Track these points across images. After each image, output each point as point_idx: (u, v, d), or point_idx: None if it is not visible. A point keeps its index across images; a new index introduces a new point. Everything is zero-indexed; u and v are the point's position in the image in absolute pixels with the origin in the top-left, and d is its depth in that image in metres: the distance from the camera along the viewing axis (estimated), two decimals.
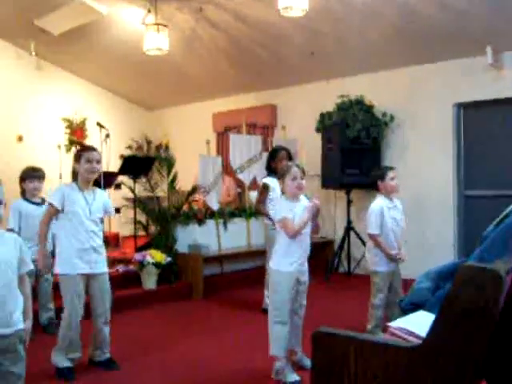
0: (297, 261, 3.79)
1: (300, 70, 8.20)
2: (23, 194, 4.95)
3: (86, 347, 4.06)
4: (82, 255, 3.90)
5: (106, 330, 4.08)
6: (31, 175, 4.92)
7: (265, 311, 5.46)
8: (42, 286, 4.98)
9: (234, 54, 8.07)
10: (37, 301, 4.84)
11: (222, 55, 8.14)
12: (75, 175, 4.04)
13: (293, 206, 3.78)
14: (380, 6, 6.22)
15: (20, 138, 9.09)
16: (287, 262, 3.76)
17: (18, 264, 2.52)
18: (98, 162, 4.00)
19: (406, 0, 6.05)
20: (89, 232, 3.93)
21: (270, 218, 5.68)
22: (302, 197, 3.92)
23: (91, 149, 4.08)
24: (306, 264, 3.92)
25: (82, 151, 4.03)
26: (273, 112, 9.01)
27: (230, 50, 7.94)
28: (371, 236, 4.55)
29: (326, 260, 7.80)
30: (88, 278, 3.96)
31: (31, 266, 2.65)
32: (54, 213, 3.93)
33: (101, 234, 4.06)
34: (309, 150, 7.79)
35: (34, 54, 8.87)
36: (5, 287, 2.43)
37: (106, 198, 4.19)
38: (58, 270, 3.94)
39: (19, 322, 2.48)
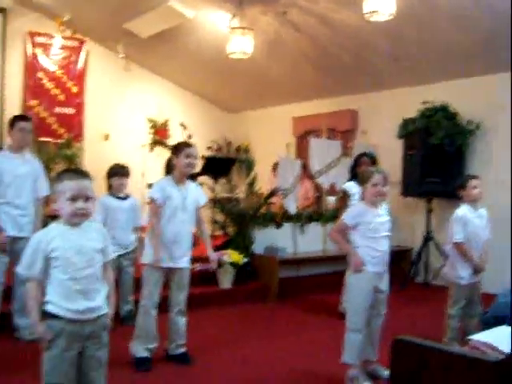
0: (375, 268, 3.74)
1: (383, 75, 8.09)
2: (109, 189, 5.14)
3: (164, 340, 4.18)
4: (169, 248, 3.99)
5: (181, 321, 4.16)
6: (118, 172, 5.10)
7: (342, 316, 5.45)
8: (123, 278, 5.14)
9: (316, 58, 8.06)
10: (118, 293, 4.99)
11: (305, 59, 8.14)
12: (169, 168, 4.14)
13: (367, 213, 3.73)
14: (467, 10, 6.04)
15: (107, 137, 9.44)
16: (368, 261, 3.72)
17: (102, 253, 2.62)
18: (196, 158, 4.10)
19: (494, 2, 5.86)
20: (181, 226, 4.02)
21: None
22: (383, 205, 3.86)
23: (191, 145, 4.15)
24: (386, 272, 3.86)
25: (183, 146, 4.10)
26: (353, 117, 8.92)
27: (313, 53, 7.93)
28: (456, 245, 4.41)
29: (403, 269, 7.66)
30: (170, 270, 4.07)
31: (113, 256, 2.75)
32: (159, 208, 4.01)
33: (191, 229, 4.13)
34: (389, 156, 7.67)
35: (122, 56, 9.19)
36: (94, 274, 2.54)
37: (199, 189, 4.27)
38: (143, 259, 4.07)
39: (103, 309, 2.58)
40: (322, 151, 7.38)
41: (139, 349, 4.04)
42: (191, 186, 4.19)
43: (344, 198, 5.60)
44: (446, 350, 2.17)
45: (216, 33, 7.75)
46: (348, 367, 3.75)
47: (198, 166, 7.23)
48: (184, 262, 4.10)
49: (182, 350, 4.20)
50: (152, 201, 4.03)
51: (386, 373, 3.69)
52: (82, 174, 2.56)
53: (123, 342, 4.02)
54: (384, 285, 3.84)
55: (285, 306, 6.28)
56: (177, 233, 4.02)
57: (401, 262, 7.73)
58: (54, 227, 2.54)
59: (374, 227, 3.73)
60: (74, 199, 2.47)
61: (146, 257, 4.04)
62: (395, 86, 8.29)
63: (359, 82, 8.49)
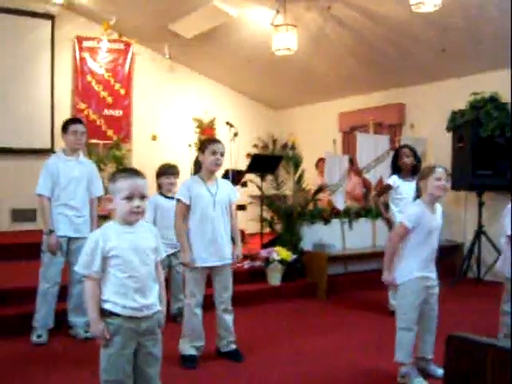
0: (424, 265, 3.69)
1: (430, 68, 7.94)
2: (159, 188, 5.21)
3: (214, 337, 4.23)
4: (208, 247, 4.00)
5: (228, 318, 4.18)
6: (167, 171, 5.16)
7: (393, 313, 5.39)
8: (174, 277, 5.21)
9: (361, 52, 7.99)
10: (169, 291, 5.06)
11: (350, 54, 8.08)
12: (198, 166, 4.16)
13: (426, 214, 3.66)
14: None
15: (154, 137, 9.59)
16: (415, 267, 3.66)
17: (155, 252, 2.67)
18: (222, 154, 4.06)
19: None
20: (214, 224, 4.01)
21: (386, 215, 5.62)
22: (437, 205, 3.80)
23: (216, 141, 4.15)
24: (434, 268, 3.80)
25: (208, 143, 4.10)
26: (401, 111, 8.80)
27: (358, 48, 7.86)
28: (509, 239, 4.28)
29: (454, 265, 7.52)
30: (210, 268, 4.09)
31: (164, 255, 2.79)
32: (185, 208, 4.02)
33: (227, 225, 4.12)
34: (438, 149, 7.55)
35: (167, 56, 9.31)
36: (149, 272, 2.60)
37: (230, 186, 4.26)
38: (182, 259, 4.10)
39: (157, 306, 2.63)
40: (370, 146, 7.32)
41: (186, 347, 4.09)
42: (222, 182, 4.19)
43: (385, 188, 5.57)
44: (503, 347, 2.12)
45: (260, 30, 7.76)
46: (400, 364, 3.72)
47: (246, 164, 7.33)
48: (223, 259, 4.09)
49: (234, 346, 4.23)
50: (178, 201, 4.05)
51: (440, 371, 3.64)
52: (137, 173, 2.61)
53: (173, 340, 4.07)
54: (433, 280, 3.78)
55: (334, 302, 6.25)
56: (211, 231, 4.01)
57: (452, 258, 7.61)
58: (110, 227, 2.60)
59: (429, 230, 3.66)
60: (129, 198, 2.53)
61: (185, 257, 4.06)
62: (443, 78, 8.14)
63: (406, 75, 8.37)
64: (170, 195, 5.14)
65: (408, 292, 3.66)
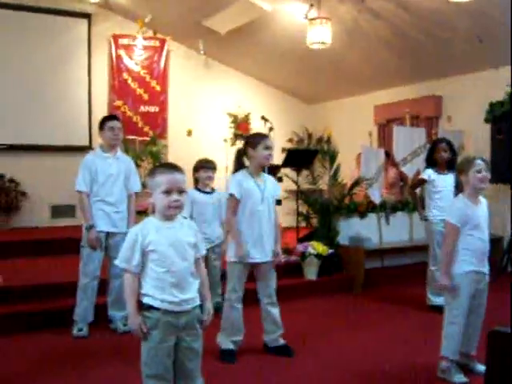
0: (475, 259, 3.63)
1: (467, 58, 7.80)
2: (196, 183, 5.24)
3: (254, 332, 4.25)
4: (255, 243, 4.01)
5: (274, 311, 4.18)
6: (205, 166, 5.17)
7: (432, 308, 5.34)
8: (210, 272, 5.21)
9: (396, 44, 7.89)
10: None
11: (384, 46, 7.99)
12: (241, 161, 4.13)
13: (470, 208, 3.60)
14: None
15: (190, 133, 9.67)
16: (465, 261, 3.59)
17: (195, 248, 2.69)
18: (272, 149, 4.07)
19: None
20: (261, 219, 4.02)
21: (415, 208, 5.55)
22: (481, 198, 3.73)
23: (267, 136, 4.14)
24: (486, 262, 3.72)
25: (260, 138, 4.06)
26: (437, 103, 8.67)
27: (393, 39, 7.77)
28: None
29: (494, 259, 7.38)
30: (255, 264, 4.10)
31: (205, 252, 2.81)
32: (237, 203, 4.02)
33: (272, 222, 4.12)
34: (476, 142, 7.41)
35: (202, 52, 9.36)
36: (188, 267, 2.62)
37: (274, 182, 4.26)
38: (228, 255, 4.10)
39: (196, 301, 2.65)
40: (406, 139, 7.22)
41: (225, 341, 4.11)
42: (267, 177, 4.18)
43: (419, 181, 5.51)
44: None
45: (294, 24, 7.74)
46: (440, 359, 3.68)
47: (281, 158, 7.32)
48: (268, 255, 4.09)
49: (282, 341, 4.23)
50: (230, 196, 4.04)
51: (481, 367, 3.58)
52: (175, 168, 2.63)
53: (211, 334, 4.10)
54: (484, 275, 3.71)
55: (370, 297, 6.21)
56: (259, 226, 4.01)
57: (492, 252, 7.45)
58: (150, 222, 2.63)
59: (476, 223, 3.60)
60: (167, 192, 2.55)
61: (231, 253, 4.07)
62: (480, 69, 7.97)
63: (442, 67, 8.23)
64: (206, 190, 5.16)
65: (459, 286, 3.60)
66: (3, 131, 8.35)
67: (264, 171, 4.24)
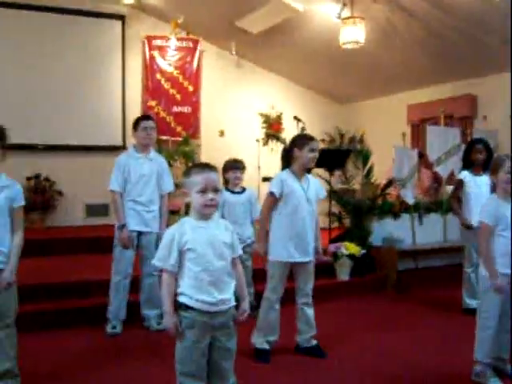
0: (509, 261, 3.55)
1: (502, 57, 7.67)
2: (226, 183, 5.25)
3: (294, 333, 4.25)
4: (296, 242, 4.00)
5: (309, 312, 4.18)
6: (234, 166, 5.15)
7: (466, 311, 5.25)
8: (243, 271, 5.23)
9: (430, 43, 7.80)
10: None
11: (418, 45, 7.91)
12: (286, 160, 4.14)
13: (502, 207, 3.52)
14: None
15: (222, 133, 9.72)
16: (498, 262, 3.50)
17: (231, 248, 2.70)
18: (318, 151, 4.06)
19: None
20: (304, 220, 4.01)
21: (459, 216, 5.44)
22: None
23: (314, 138, 4.10)
24: None
25: (308, 139, 4.04)
26: (472, 102, 8.55)
27: (427, 38, 7.68)
28: None
29: None
30: (296, 263, 4.08)
31: (240, 252, 2.82)
32: (275, 201, 4.04)
33: (314, 222, 4.11)
34: None
35: (234, 53, 9.39)
36: (224, 267, 2.63)
37: (318, 182, 4.26)
38: (271, 255, 4.08)
39: (232, 301, 2.66)
40: (440, 139, 7.13)
41: (259, 340, 4.12)
42: (311, 178, 4.17)
43: (457, 187, 5.41)
44: None
45: (326, 24, 7.71)
46: (474, 363, 3.62)
47: None
48: (310, 255, 4.09)
49: (314, 342, 4.23)
50: (270, 194, 4.05)
51: None
52: (210, 167, 2.65)
53: (242, 333, 4.10)
54: None
55: (403, 298, 6.15)
56: (301, 226, 4.00)
57: None
58: (186, 221, 2.65)
59: (508, 223, 3.50)
60: (203, 191, 2.57)
61: (274, 253, 4.06)
62: None
63: (477, 66, 8.11)
64: (236, 190, 5.17)
65: (491, 289, 3.52)
66: (40, 132, 8.50)
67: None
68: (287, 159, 4.15)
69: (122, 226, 4.63)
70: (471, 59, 7.95)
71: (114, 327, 4.67)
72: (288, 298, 4.22)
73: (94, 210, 8.82)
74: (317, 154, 4.03)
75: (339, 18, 7.12)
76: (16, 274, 3.31)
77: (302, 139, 4.09)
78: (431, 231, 7.11)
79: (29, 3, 8.41)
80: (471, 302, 5.27)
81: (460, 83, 8.71)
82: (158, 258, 2.61)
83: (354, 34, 6.94)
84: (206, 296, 2.56)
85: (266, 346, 4.12)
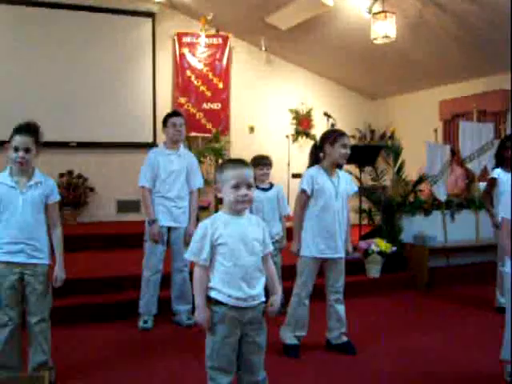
0: None
1: None
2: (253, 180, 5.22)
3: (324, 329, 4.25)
4: (327, 239, 3.99)
5: (340, 308, 4.16)
6: (260, 162, 5.11)
7: (499, 310, 5.17)
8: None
9: (462, 37, 7.67)
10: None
11: (451, 39, 7.79)
12: (315, 156, 4.12)
13: None
14: None
15: (252, 129, 9.73)
16: None
17: (262, 244, 2.70)
18: (349, 147, 4.04)
19: None
20: (335, 216, 3.99)
21: (491, 215, 5.36)
22: None
23: (345, 134, 4.08)
24: None
25: (338, 135, 4.01)
26: (506, 97, 8.38)
27: (459, 32, 7.56)
28: None
29: None
30: (327, 260, 4.07)
31: (272, 248, 2.82)
32: (306, 199, 4.04)
33: (345, 218, 4.10)
34: None
35: (264, 49, 9.38)
36: (255, 263, 2.63)
37: (349, 178, 4.23)
38: (302, 251, 4.07)
39: (262, 297, 2.67)
40: (473, 135, 7.02)
41: (288, 335, 4.12)
42: (342, 174, 4.14)
43: (490, 185, 5.31)
44: None
45: (356, 19, 7.65)
46: (505, 362, 3.57)
47: None
48: (340, 251, 4.08)
49: (345, 338, 4.21)
50: (302, 192, 4.04)
51: None
52: (243, 163, 2.66)
53: (270, 329, 4.11)
54: None
55: (434, 296, 6.08)
56: (332, 222, 3.99)
57: None
58: (219, 216, 2.66)
59: None
60: (236, 187, 2.58)
61: (304, 249, 4.06)
62: None
63: (510, 60, 7.96)
64: (262, 186, 5.16)
65: None
66: (72, 129, 8.62)
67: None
68: (316, 155, 4.12)
69: (153, 221, 4.67)
70: (504, 53, 7.79)
71: (145, 322, 4.71)
72: (318, 294, 4.22)
73: (124, 206, 8.91)
74: (348, 150, 4.00)
75: (370, 12, 7.07)
76: (51, 270, 3.39)
77: (333, 135, 4.05)
78: (463, 228, 7.02)
79: (61, 2, 8.54)
80: (503, 301, 5.19)
81: (493, 78, 8.55)
82: (190, 252, 2.63)
83: (384, 29, 6.87)
84: (237, 291, 2.57)
85: (296, 342, 4.12)
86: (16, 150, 3.25)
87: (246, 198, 2.59)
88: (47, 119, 7.82)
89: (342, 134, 4.06)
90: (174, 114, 5.01)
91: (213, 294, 2.61)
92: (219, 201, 2.66)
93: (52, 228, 3.43)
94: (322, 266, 4.14)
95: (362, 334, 4.58)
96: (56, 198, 3.43)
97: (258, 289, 2.64)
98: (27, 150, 3.26)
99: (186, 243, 4.65)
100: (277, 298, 2.74)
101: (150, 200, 4.72)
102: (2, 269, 3.26)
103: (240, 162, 2.67)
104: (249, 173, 2.63)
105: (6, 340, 3.28)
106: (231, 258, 2.58)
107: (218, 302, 2.59)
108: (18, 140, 3.26)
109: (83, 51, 8.69)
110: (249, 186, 2.61)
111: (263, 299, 2.68)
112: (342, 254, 4.10)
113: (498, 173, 5.22)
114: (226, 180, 2.61)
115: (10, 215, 3.26)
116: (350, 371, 3.83)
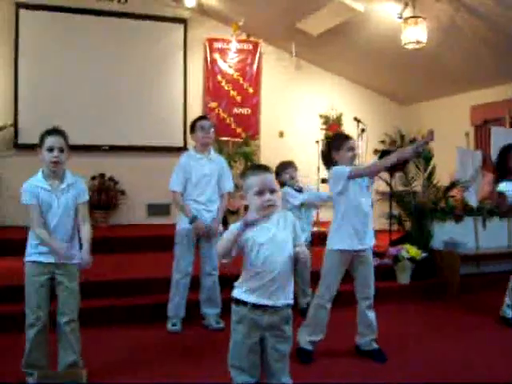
0: None
1: None
2: (282, 186, 5.24)
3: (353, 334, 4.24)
4: (357, 233, 3.97)
5: (371, 314, 4.13)
6: (284, 167, 5.23)
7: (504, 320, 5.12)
8: (300, 270, 5.13)
9: (495, 42, 7.58)
10: (296, 285, 5.06)
11: (482, 44, 7.70)
12: (328, 161, 4.12)
13: None
14: None
15: (281, 134, 9.77)
16: None
17: (292, 241, 2.70)
18: (356, 150, 4.06)
19: None
20: (361, 207, 3.98)
21: None
22: None
23: (350, 137, 4.11)
24: None
25: (343, 140, 4.04)
26: None
27: (492, 37, 7.47)
28: None
29: None
30: (354, 256, 4.05)
31: (303, 238, 2.83)
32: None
33: (371, 217, 4.09)
34: None
35: (294, 55, 9.41)
36: (282, 265, 2.63)
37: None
38: (329, 245, 4.07)
39: (288, 301, 2.67)
40: (505, 140, 6.92)
41: (303, 339, 4.07)
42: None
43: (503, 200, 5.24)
44: None
45: (387, 24, 7.62)
46: None
47: (373, 160, 7.22)
48: (369, 243, 4.05)
49: (376, 345, 4.17)
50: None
51: None
52: (265, 169, 2.69)
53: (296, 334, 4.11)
54: None
55: (466, 304, 5.99)
56: (358, 215, 3.96)
57: None
58: None
59: None
60: (260, 193, 2.60)
61: (332, 243, 4.03)
62: None
63: None
64: (295, 188, 5.19)
65: None
66: (104, 133, 8.75)
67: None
68: (327, 162, 4.14)
69: (194, 218, 4.69)
70: None
71: (174, 325, 4.75)
72: (347, 301, 4.19)
73: (155, 209, 9.00)
74: (356, 153, 4.01)
75: (401, 17, 7.03)
76: (81, 272, 3.45)
77: (337, 140, 4.09)
78: (495, 235, 6.92)
79: (94, 8, 8.70)
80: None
81: None
82: (220, 253, 2.64)
83: (415, 34, 6.84)
84: (261, 293, 2.59)
85: (310, 347, 4.07)
86: (50, 150, 3.32)
87: (270, 202, 2.60)
88: (81, 123, 8.01)
89: (345, 137, 4.09)
90: (202, 118, 5.06)
91: (236, 294, 2.66)
92: (247, 207, 2.66)
93: (81, 224, 3.48)
94: (350, 268, 4.09)
95: (390, 341, 4.53)
96: (85, 197, 3.50)
97: (284, 292, 2.64)
98: (61, 150, 3.33)
99: (205, 234, 4.71)
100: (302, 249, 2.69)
101: (182, 203, 4.76)
102: (35, 269, 3.33)
103: (261, 168, 2.70)
104: (271, 177, 2.66)
105: (34, 340, 3.35)
106: (257, 261, 2.60)
107: (238, 302, 2.64)
108: (52, 140, 3.33)
109: (117, 56, 8.84)
110: (272, 191, 2.63)
111: (290, 302, 2.68)
112: (368, 246, 4.06)
113: (504, 187, 5.13)
114: (249, 187, 2.64)
115: (46, 218, 3.33)
116: (376, 379, 3.79)
